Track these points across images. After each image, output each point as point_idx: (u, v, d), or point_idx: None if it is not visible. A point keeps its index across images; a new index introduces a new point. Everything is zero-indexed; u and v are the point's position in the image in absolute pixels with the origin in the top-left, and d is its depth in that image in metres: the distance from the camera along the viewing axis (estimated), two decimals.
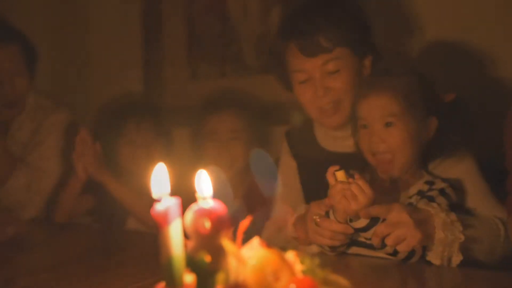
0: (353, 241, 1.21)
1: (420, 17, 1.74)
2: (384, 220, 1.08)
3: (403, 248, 1.07)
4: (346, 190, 1.09)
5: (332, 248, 1.18)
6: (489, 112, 1.45)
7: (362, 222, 1.10)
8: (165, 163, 0.58)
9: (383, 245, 1.08)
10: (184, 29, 2.27)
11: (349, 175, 1.11)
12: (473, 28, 1.66)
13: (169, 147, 1.91)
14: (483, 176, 1.29)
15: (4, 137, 1.74)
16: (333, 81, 1.37)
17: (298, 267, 0.58)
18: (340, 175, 1.11)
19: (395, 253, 1.09)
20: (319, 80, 1.37)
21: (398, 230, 1.05)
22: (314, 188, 1.47)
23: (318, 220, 1.16)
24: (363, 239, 1.16)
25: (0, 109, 1.76)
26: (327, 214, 1.17)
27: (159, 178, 0.56)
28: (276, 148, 1.80)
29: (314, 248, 1.21)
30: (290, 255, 0.59)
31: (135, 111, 1.91)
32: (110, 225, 1.81)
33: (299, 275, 0.57)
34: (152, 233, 1.65)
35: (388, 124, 1.19)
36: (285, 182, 1.55)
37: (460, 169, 1.27)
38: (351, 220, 1.12)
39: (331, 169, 1.13)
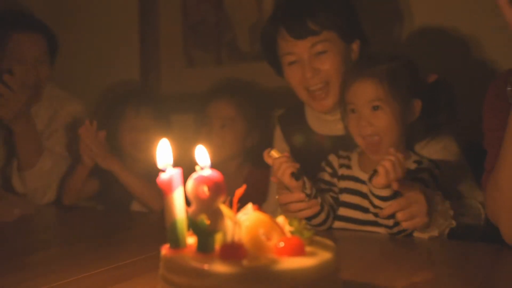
0: (340, 217, 1.28)
1: (408, 4, 1.79)
2: (401, 195, 1.13)
3: (409, 225, 1.14)
4: (287, 161, 1.18)
5: (309, 219, 1.24)
6: (472, 93, 1.51)
7: (386, 192, 1.14)
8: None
9: (390, 216, 1.15)
10: (179, 18, 2.28)
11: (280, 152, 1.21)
12: (457, 13, 1.71)
13: (167, 132, 1.97)
14: (463, 156, 1.36)
15: (33, 122, 1.79)
16: (321, 63, 1.42)
17: (287, 228, 0.65)
18: (275, 153, 1.21)
19: (393, 226, 1.16)
20: (308, 62, 1.42)
21: (413, 208, 1.12)
22: (306, 171, 1.55)
23: (277, 197, 1.25)
24: (375, 202, 1.17)
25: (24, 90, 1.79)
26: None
27: (163, 151, 0.63)
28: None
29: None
30: (280, 219, 0.66)
31: (133, 97, 1.95)
32: (115, 207, 1.86)
33: (288, 235, 0.65)
34: (154, 213, 1.73)
35: (375, 108, 1.25)
36: None
37: (441, 148, 1.34)
38: (374, 186, 1.15)
39: (266, 153, 1.22)
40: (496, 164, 1.06)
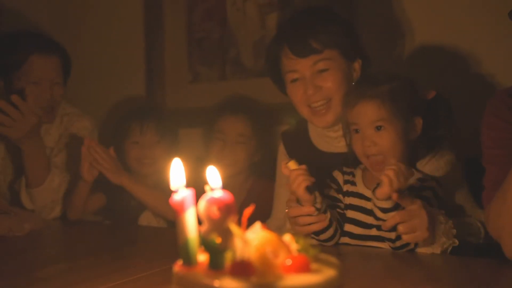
0: (344, 232, 1.31)
1: (409, 21, 1.83)
2: (403, 208, 1.16)
3: (409, 238, 1.16)
4: (303, 174, 1.19)
5: (317, 234, 1.27)
6: (472, 108, 1.54)
7: (388, 203, 1.17)
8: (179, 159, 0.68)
9: (392, 229, 1.17)
10: (184, 34, 2.32)
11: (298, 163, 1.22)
12: (456, 29, 1.75)
13: (174, 147, 1.99)
14: (463, 173, 1.39)
15: (42, 142, 1.82)
16: (323, 80, 1.45)
17: (294, 246, 0.68)
18: (293, 164, 1.22)
19: (395, 239, 1.19)
20: (310, 79, 1.45)
21: (414, 221, 1.14)
22: (309, 188, 1.57)
23: (287, 211, 1.26)
24: (378, 213, 1.20)
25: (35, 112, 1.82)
26: None
27: (176, 172, 0.66)
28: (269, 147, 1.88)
29: (312, 242, 1.29)
30: (287, 237, 0.69)
31: (138, 114, 1.99)
32: (121, 222, 1.88)
33: (295, 253, 0.68)
34: (161, 228, 1.75)
35: (378, 128, 1.28)
36: (282, 183, 1.61)
37: (442, 165, 1.37)
38: (377, 198, 1.18)
39: (283, 163, 1.24)
40: (504, 182, 1.07)
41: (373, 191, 1.19)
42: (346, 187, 1.36)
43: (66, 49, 1.96)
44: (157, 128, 1.94)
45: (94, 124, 2.05)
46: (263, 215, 1.63)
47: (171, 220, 1.80)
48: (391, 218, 1.16)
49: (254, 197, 1.80)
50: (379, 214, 1.19)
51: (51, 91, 1.86)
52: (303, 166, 1.22)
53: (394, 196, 1.13)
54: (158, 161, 1.91)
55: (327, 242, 1.30)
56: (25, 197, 1.84)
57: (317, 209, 1.24)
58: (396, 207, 1.17)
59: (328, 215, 1.26)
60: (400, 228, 1.16)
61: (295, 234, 1.26)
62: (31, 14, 2.60)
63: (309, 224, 1.25)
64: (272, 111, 2.03)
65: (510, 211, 1.05)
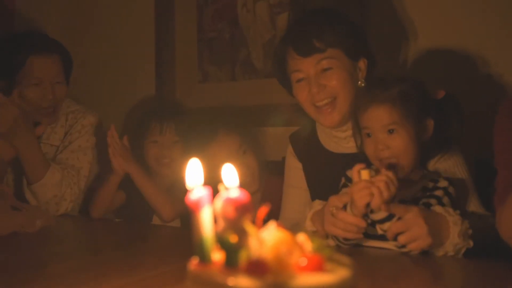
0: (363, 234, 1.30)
1: (415, 23, 1.84)
2: (399, 218, 1.16)
3: (413, 247, 1.16)
4: (370, 188, 1.15)
5: (346, 240, 1.25)
6: (480, 110, 1.53)
7: (381, 215, 1.18)
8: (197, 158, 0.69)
9: (395, 239, 1.18)
10: (195, 34, 2.34)
11: (373, 173, 1.18)
12: (464, 30, 1.75)
13: (192, 148, 1.98)
14: (472, 175, 1.39)
15: (34, 136, 1.82)
16: (327, 79, 1.46)
17: (308, 246, 0.69)
18: (365, 174, 1.18)
19: (402, 246, 1.19)
20: (314, 78, 1.47)
21: (412, 231, 1.15)
22: (319, 188, 1.56)
23: (335, 211, 1.23)
24: (379, 230, 1.23)
25: (39, 117, 1.85)
26: (344, 208, 1.23)
27: (193, 172, 0.67)
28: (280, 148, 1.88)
29: (331, 242, 1.29)
30: (301, 237, 0.70)
31: (158, 114, 2.00)
32: (136, 220, 1.88)
33: (309, 252, 0.68)
34: (174, 227, 1.76)
35: (390, 131, 1.28)
36: (291, 183, 1.64)
37: (451, 165, 1.37)
38: (371, 212, 1.19)
39: (357, 167, 1.20)
40: None
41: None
42: None
43: (65, 47, 1.94)
44: (177, 128, 1.95)
45: (99, 120, 2.05)
46: (279, 213, 1.64)
47: (165, 221, 1.82)
48: (389, 230, 1.17)
49: (269, 196, 1.79)
50: (378, 226, 1.21)
51: (53, 91, 1.86)
52: (377, 181, 1.16)
53: (383, 207, 1.14)
54: (176, 161, 1.91)
55: (348, 245, 1.29)
56: (28, 194, 1.85)
57: (373, 221, 1.22)
58: (390, 217, 1.18)
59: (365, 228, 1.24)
60: (401, 239, 1.17)
61: (317, 230, 1.25)
62: (43, 16, 2.63)
63: (346, 231, 1.23)
64: (282, 112, 2.03)
65: None
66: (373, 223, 1.27)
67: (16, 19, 2.62)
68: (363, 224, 1.20)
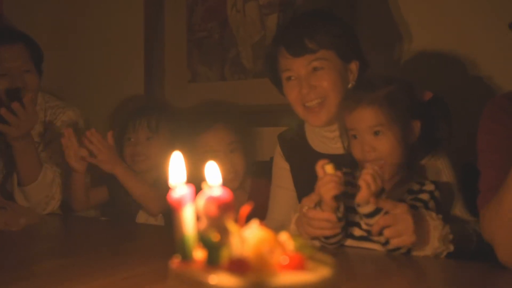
0: (348, 235, 1.30)
1: (408, 25, 1.85)
2: (387, 213, 1.17)
3: (396, 243, 1.17)
4: (335, 181, 1.17)
5: (327, 239, 1.26)
6: (469, 112, 1.54)
7: (368, 208, 1.18)
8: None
9: (379, 234, 1.18)
10: (184, 33, 2.34)
11: (336, 169, 1.20)
12: (455, 33, 1.77)
13: (171, 146, 1.99)
14: (457, 176, 1.40)
15: (32, 137, 1.81)
16: (317, 80, 1.46)
17: (290, 245, 0.69)
18: (329, 168, 1.19)
19: (386, 243, 1.20)
20: (304, 78, 1.47)
21: (399, 225, 1.15)
22: (307, 189, 1.57)
23: (305, 210, 1.24)
24: (363, 225, 1.23)
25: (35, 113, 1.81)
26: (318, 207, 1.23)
27: (176, 168, 0.67)
28: (268, 148, 1.88)
29: (316, 243, 1.28)
30: (283, 236, 0.70)
31: (135, 112, 1.99)
32: (119, 218, 1.88)
33: (291, 251, 0.68)
34: (158, 226, 1.76)
35: (376, 133, 1.28)
36: (278, 184, 1.63)
37: (438, 168, 1.38)
38: (358, 205, 1.20)
39: (321, 162, 1.21)
40: (500, 190, 1.07)
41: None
42: (346, 189, 1.36)
43: (30, 36, 1.91)
44: (149, 125, 1.93)
45: (79, 115, 2.03)
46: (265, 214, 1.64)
47: (154, 214, 1.81)
48: (376, 224, 1.17)
49: (256, 196, 1.79)
50: (365, 220, 1.21)
51: (22, 80, 1.82)
52: (339, 173, 1.19)
53: (372, 200, 1.15)
54: (152, 158, 1.90)
55: (333, 245, 1.29)
56: (18, 195, 1.83)
57: (338, 218, 1.22)
58: (378, 211, 1.18)
59: (343, 223, 1.24)
60: (386, 232, 1.17)
61: (301, 234, 1.27)
62: (31, 16, 2.60)
63: (322, 228, 1.23)
64: (272, 112, 2.04)
65: (504, 215, 1.06)
66: (357, 224, 1.27)
67: (3, 19, 2.59)
68: (333, 218, 1.20)
